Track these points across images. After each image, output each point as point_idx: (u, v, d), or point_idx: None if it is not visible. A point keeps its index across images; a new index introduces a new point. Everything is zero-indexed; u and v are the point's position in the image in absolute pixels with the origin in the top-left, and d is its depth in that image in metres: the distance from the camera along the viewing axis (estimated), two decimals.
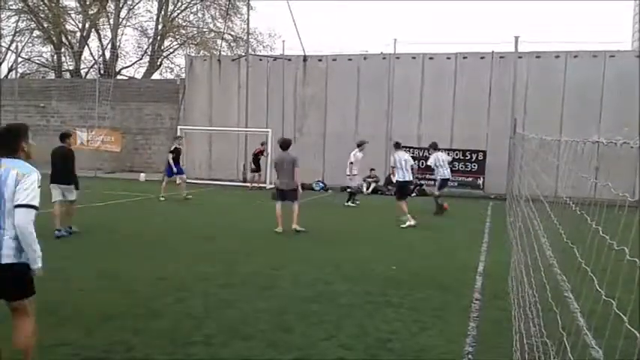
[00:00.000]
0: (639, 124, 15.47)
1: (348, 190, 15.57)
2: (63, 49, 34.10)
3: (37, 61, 35.28)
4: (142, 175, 21.93)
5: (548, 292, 3.36)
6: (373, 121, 19.69)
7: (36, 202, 3.61)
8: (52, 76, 34.27)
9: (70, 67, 34.66)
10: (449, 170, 14.32)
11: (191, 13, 34.57)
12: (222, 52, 26.97)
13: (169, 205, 14.38)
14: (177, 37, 34.75)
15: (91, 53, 35.11)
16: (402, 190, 12.30)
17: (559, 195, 3.61)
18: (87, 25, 33.67)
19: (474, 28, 76.56)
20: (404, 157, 12.33)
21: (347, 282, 6.91)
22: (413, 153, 18.87)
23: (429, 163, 14.34)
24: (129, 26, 35.15)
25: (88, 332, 4.90)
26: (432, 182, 16.06)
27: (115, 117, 24.52)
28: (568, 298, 2.89)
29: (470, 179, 18.49)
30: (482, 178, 18.42)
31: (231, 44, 33.03)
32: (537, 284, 3.91)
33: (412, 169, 12.54)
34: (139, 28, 34.62)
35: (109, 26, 33.64)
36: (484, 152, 18.45)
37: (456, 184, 17.82)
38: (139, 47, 35.16)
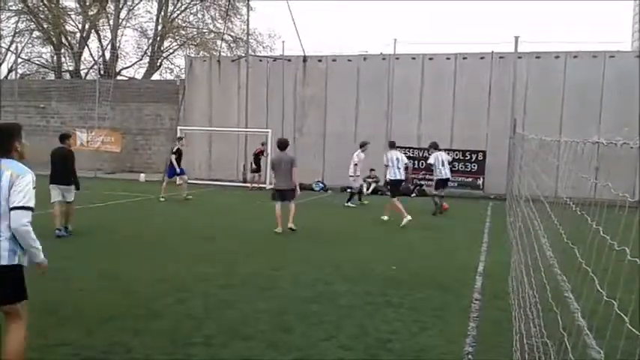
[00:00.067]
0: (639, 125, 15.46)
1: (349, 190, 15.59)
2: (63, 50, 34.10)
3: (36, 62, 35.29)
4: (142, 175, 21.93)
5: (549, 292, 3.36)
6: (373, 121, 19.69)
7: (31, 204, 3.58)
8: (51, 76, 34.27)
9: (70, 68, 34.66)
10: (449, 170, 14.38)
11: (191, 13, 34.62)
12: (222, 53, 26.99)
13: (169, 206, 14.38)
14: (177, 37, 34.75)
15: (91, 54, 35.17)
16: (394, 188, 12.46)
17: (559, 195, 3.61)
18: (87, 26, 33.68)
19: (473, 28, 76.60)
20: (396, 156, 12.48)
21: (347, 282, 6.91)
22: (413, 153, 18.95)
23: (430, 162, 14.39)
24: (129, 27, 35.23)
25: (88, 332, 4.90)
26: (432, 182, 16.05)
27: (115, 117, 24.52)
28: (568, 298, 2.89)
29: (470, 179, 18.50)
30: (482, 179, 18.42)
31: (231, 45, 33.05)
32: (537, 284, 3.91)
33: (407, 168, 12.64)
34: (139, 29, 34.67)
35: (108, 27, 33.66)
36: (484, 152, 18.45)
37: (455, 184, 17.83)
38: (139, 48, 35.22)
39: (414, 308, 5.91)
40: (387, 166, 12.57)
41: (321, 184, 19.77)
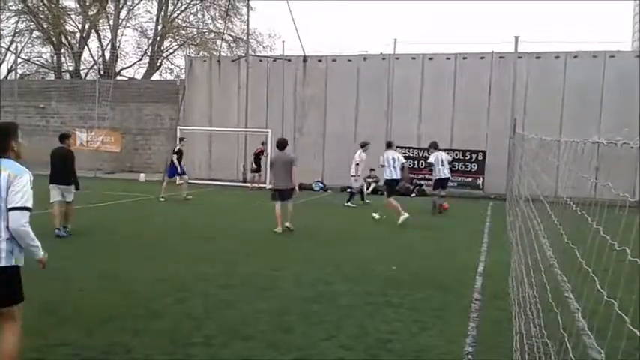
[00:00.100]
0: (639, 125, 15.47)
1: (349, 190, 15.60)
2: (63, 50, 34.09)
3: (36, 62, 35.28)
4: (142, 175, 21.93)
5: (549, 292, 3.36)
6: (373, 121, 19.69)
7: (30, 204, 3.57)
8: (51, 76, 34.26)
9: (70, 68, 34.66)
10: (448, 170, 14.43)
11: (191, 13, 34.61)
12: (222, 53, 26.98)
13: (169, 206, 14.38)
14: (176, 37, 34.75)
15: (91, 54, 35.16)
16: (390, 187, 12.53)
17: (559, 195, 3.61)
18: (87, 26, 33.67)
19: (473, 28, 76.59)
20: (392, 156, 12.56)
21: (347, 282, 6.91)
22: (413, 153, 18.96)
23: (430, 161, 14.44)
24: (129, 27, 35.23)
25: (88, 332, 4.90)
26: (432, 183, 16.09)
27: (115, 117, 24.51)
28: (568, 298, 2.89)
29: (470, 179, 18.50)
30: (481, 179, 18.43)
31: (231, 45, 33.05)
32: (538, 284, 3.91)
33: (403, 168, 12.71)
34: (139, 29, 34.66)
35: (108, 27, 33.66)
36: (484, 152, 18.45)
37: (455, 184, 17.84)
38: (139, 48, 35.21)
39: (414, 308, 5.91)
40: (383, 166, 12.70)
41: (320, 184, 19.78)
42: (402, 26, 76.06)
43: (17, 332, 3.68)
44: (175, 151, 15.54)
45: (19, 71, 29.85)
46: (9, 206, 3.49)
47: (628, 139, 2.29)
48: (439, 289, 6.71)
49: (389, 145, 13.03)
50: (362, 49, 48.38)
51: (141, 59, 34.75)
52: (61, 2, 33.20)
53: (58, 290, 6.15)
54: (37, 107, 25.63)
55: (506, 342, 4.73)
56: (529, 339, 3.94)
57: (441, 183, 14.26)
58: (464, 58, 19.19)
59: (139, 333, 4.92)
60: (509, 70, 18.61)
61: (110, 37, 32.77)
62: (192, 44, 34.22)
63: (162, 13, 33.57)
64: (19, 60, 28.95)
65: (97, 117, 23.57)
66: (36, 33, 34.08)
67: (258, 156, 18.76)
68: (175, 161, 15.23)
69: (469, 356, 4.62)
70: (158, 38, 33.95)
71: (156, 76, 34.15)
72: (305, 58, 20.84)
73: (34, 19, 33.20)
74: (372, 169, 18.41)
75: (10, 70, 31.93)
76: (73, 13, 33.72)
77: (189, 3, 34.01)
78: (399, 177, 12.64)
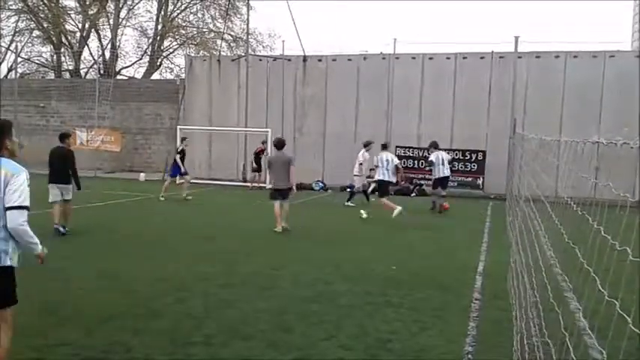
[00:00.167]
0: (639, 124, 15.46)
1: (349, 190, 15.61)
2: (63, 49, 34.08)
3: (36, 61, 35.27)
4: (142, 174, 21.92)
5: (550, 292, 3.36)
6: (373, 121, 19.68)
7: (27, 203, 3.52)
8: (51, 76, 34.25)
9: (70, 67, 34.64)
10: (449, 169, 14.48)
11: (191, 13, 34.60)
12: (222, 53, 26.95)
13: (169, 205, 14.38)
14: (176, 37, 34.75)
15: (91, 53, 35.15)
16: (383, 188, 12.66)
17: (559, 195, 3.61)
18: (87, 25, 33.65)
19: (473, 28, 76.60)
20: (386, 158, 12.71)
21: (347, 282, 6.90)
22: (413, 153, 18.96)
23: (431, 159, 14.49)
24: (129, 26, 35.21)
25: (88, 332, 4.89)
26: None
27: (115, 117, 24.51)
28: (569, 298, 2.89)
29: (469, 179, 18.49)
30: (481, 178, 18.42)
31: (231, 44, 33.03)
32: (538, 284, 3.90)
33: (397, 169, 12.82)
34: (139, 28, 34.65)
35: (108, 26, 33.64)
36: (484, 152, 18.44)
37: (455, 183, 17.83)
38: (139, 47, 35.20)
39: (414, 308, 5.91)
40: (376, 166, 12.81)
41: (321, 184, 19.77)
42: (402, 26, 76.08)
43: (9, 335, 3.64)
44: (179, 150, 15.59)
45: (19, 70, 29.84)
46: (6, 205, 3.45)
47: (628, 139, 2.29)
48: (439, 289, 6.71)
49: (384, 147, 13.21)
50: (362, 48, 48.40)
51: (141, 59, 34.78)
52: (60, 1, 33.20)
53: (57, 290, 6.15)
54: (37, 106, 25.62)
55: (506, 342, 4.72)
56: (529, 339, 3.94)
57: (441, 182, 14.30)
58: (464, 58, 19.18)
59: (138, 332, 4.92)
60: (509, 70, 18.60)
61: (110, 37, 32.77)
62: (192, 44, 34.23)
63: (162, 13, 33.56)
64: (19, 59, 28.94)
65: (96, 116, 23.56)
66: (36, 32, 34.08)
67: (258, 155, 18.75)
68: (178, 161, 15.28)
69: (469, 356, 4.62)
70: (158, 38, 33.94)
71: (156, 76, 34.17)
72: (305, 58, 20.82)
73: (34, 19, 33.18)
74: (371, 169, 18.40)
75: (10, 70, 31.93)
76: (72, 12, 33.75)
77: (189, 2, 34.02)
78: (391, 179, 12.79)
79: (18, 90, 24.31)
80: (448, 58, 19.32)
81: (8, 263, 3.51)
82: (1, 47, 33.09)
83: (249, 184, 19.36)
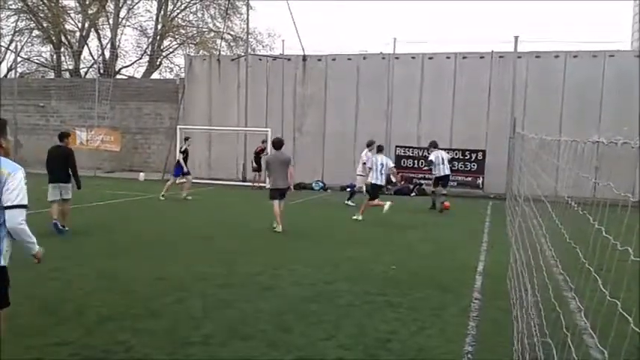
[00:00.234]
0: (639, 124, 15.46)
1: (349, 189, 15.60)
2: (62, 49, 34.07)
3: (36, 61, 35.27)
4: (142, 174, 21.91)
5: (550, 291, 3.35)
6: (372, 120, 19.68)
7: (25, 201, 3.48)
8: (51, 75, 34.24)
9: (70, 67, 34.63)
10: (449, 168, 14.51)
11: (190, 12, 34.61)
12: (222, 52, 26.95)
13: (169, 205, 14.37)
14: (176, 36, 34.74)
15: (91, 53, 35.14)
16: (374, 191, 12.68)
17: (559, 195, 3.60)
18: (86, 25, 33.64)
19: (473, 27, 76.59)
20: (380, 161, 12.70)
21: (346, 282, 6.89)
22: (412, 152, 18.96)
23: (431, 158, 14.51)
24: (128, 26, 35.19)
25: (88, 332, 4.89)
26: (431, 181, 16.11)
27: (115, 116, 24.50)
28: (569, 298, 2.88)
29: (469, 179, 18.49)
30: (481, 178, 18.42)
31: (231, 44, 33.04)
32: (538, 284, 3.90)
33: (391, 171, 12.91)
34: (139, 28, 34.64)
35: (108, 26, 33.63)
36: (483, 152, 18.44)
37: (455, 183, 17.83)
38: (139, 47, 35.19)
39: (414, 308, 5.90)
40: (370, 168, 12.79)
41: (320, 184, 19.76)
42: (402, 26, 76.05)
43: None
44: (182, 150, 15.59)
45: (19, 70, 29.90)
46: (4, 204, 3.41)
47: (628, 139, 2.28)
48: (438, 289, 6.70)
49: (379, 149, 13.22)
50: (362, 48, 48.41)
51: (140, 58, 34.77)
52: (60, 1, 33.18)
53: (58, 290, 6.14)
54: (37, 106, 25.61)
55: (506, 342, 4.72)
56: (529, 338, 3.93)
57: (442, 180, 14.33)
58: (464, 58, 19.17)
59: (138, 332, 4.91)
60: (509, 70, 18.60)
61: (110, 36, 32.76)
62: (191, 43, 34.23)
63: (162, 12, 33.56)
64: (19, 59, 28.97)
65: (96, 116, 23.56)
66: (36, 32, 34.07)
67: (258, 155, 18.73)
68: (181, 161, 15.30)
69: (469, 356, 4.61)
70: (158, 37, 33.93)
71: (155, 75, 34.17)
72: (305, 57, 20.81)
73: (33, 18, 33.17)
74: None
75: (9, 69, 31.91)
76: (72, 11, 33.75)
77: (189, 2, 34.03)
78: (383, 183, 12.89)
79: (18, 89, 24.31)
80: (448, 58, 19.32)
81: (2, 263, 3.47)
82: (0, 47, 33.11)
83: (250, 183, 19.32)
